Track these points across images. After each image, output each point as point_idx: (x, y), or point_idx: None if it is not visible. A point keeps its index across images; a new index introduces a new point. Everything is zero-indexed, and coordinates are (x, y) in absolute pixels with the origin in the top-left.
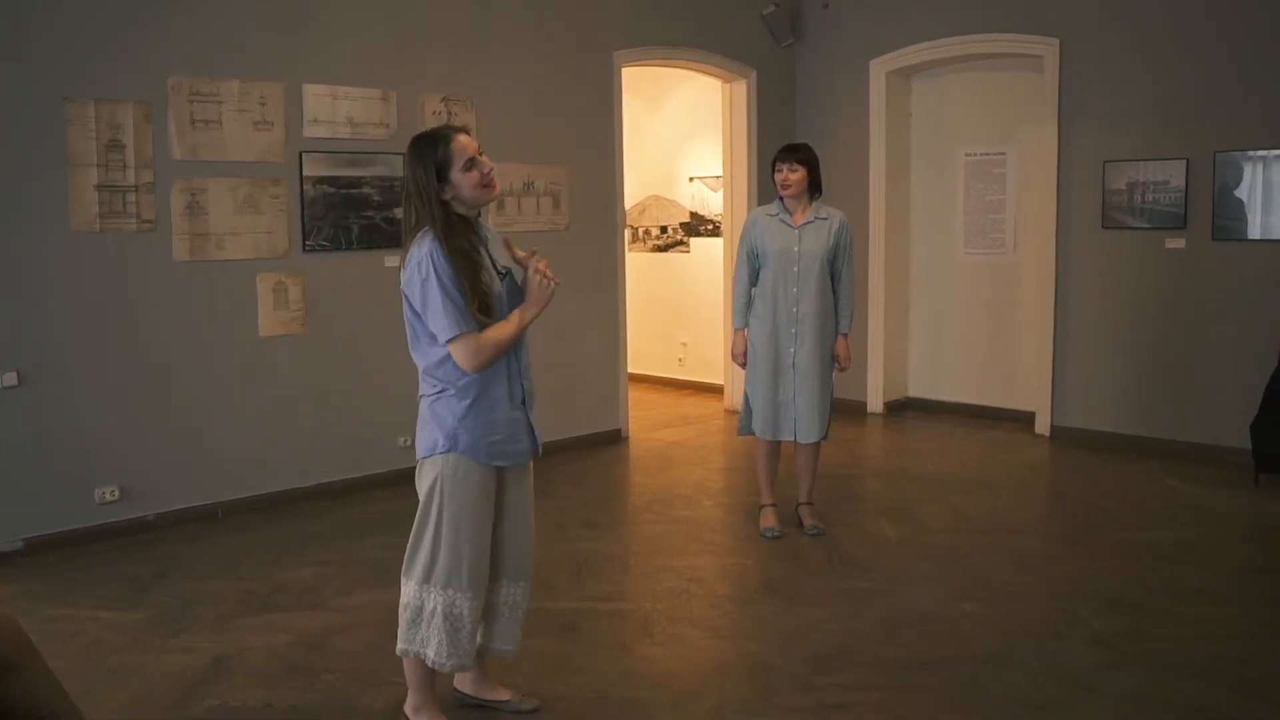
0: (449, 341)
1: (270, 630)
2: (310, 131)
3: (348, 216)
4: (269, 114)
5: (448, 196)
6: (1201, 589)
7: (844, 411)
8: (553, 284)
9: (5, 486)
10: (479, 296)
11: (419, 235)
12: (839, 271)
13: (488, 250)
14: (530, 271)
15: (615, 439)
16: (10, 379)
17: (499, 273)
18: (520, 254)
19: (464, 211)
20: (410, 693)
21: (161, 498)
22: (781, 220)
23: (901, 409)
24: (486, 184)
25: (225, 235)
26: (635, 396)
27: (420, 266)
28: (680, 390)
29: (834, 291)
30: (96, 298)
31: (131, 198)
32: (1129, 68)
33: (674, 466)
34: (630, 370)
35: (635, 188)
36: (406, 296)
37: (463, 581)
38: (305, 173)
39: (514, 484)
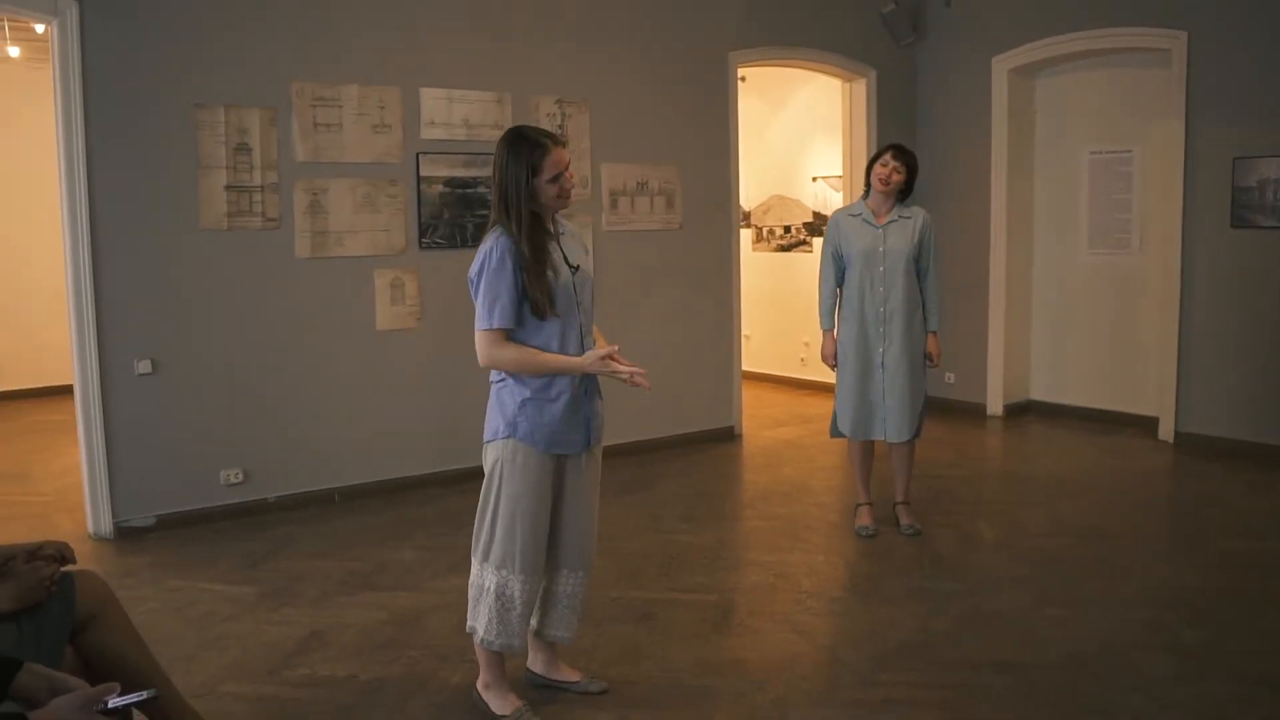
0: (479, 331)
1: (367, 607)
2: (427, 134)
3: (463, 215)
4: (387, 117)
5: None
6: None
7: (962, 413)
8: (624, 373)
9: (140, 467)
10: (539, 294)
11: (491, 229)
12: (925, 269)
13: (560, 245)
14: (611, 360)
15: (728, 436)
16: (145, 366)
17: (570, 266)
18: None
19: (537, 210)
20: (481, 670)
21: (282, 481)
22: (865, 220)
23: (1022, 412)
24: (563, 195)
25: (345, 233)
26: (756, 395)
27: (479, 258)
28: (801, 390)
29: (920, 289)
30: (225, 292)
31: (258, 197)
32: (1260, 60)
33: (782, 464)
34: (753, 369)
35: (759, 187)
36: (471, 284)
37: (515, 564)
38: (422, 173)
39: (574, 473)
